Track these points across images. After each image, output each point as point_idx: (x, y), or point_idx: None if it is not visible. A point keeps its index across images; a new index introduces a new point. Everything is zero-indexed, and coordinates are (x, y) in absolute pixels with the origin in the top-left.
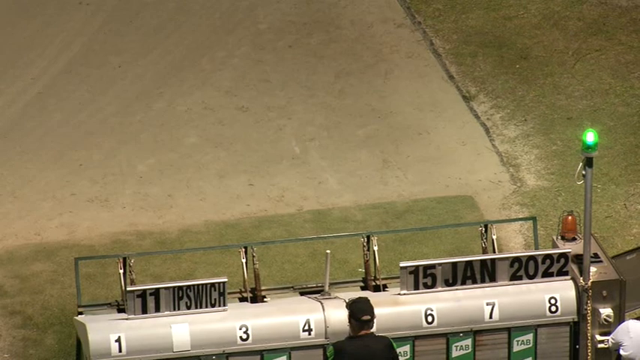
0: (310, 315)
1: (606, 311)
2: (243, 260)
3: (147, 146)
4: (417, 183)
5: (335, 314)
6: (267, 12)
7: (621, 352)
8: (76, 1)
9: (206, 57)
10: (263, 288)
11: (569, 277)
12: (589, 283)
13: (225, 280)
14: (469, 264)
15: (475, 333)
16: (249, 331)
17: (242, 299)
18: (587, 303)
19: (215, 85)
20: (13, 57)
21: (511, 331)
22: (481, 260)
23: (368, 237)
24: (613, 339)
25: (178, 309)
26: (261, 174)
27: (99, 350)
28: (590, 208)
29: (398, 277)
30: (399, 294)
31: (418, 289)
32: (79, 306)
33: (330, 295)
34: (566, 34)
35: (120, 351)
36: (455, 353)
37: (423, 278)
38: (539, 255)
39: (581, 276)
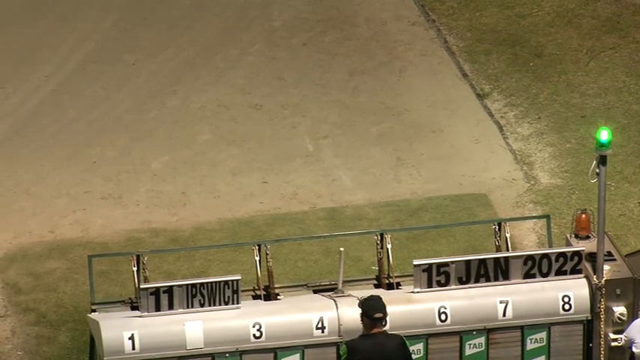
0: (323, 313)
1: (620, 309)
2: (257, 258)
3: (161, 144)
4: (430, 181)
5: (348, 312)
6: (281, 9)
7: (634, 349)
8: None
9: (220, 54)
10: (276, 286)
11: (582, 275)
12: (602, 281)
13: (239, 277)
14: (482, 262)
15: (488, 331)
16: (262, 329)
17: (255, 297)
18: (600, 301)
19: (229, 83)
20: (27, 55)
21: (524, 329)
22: (494, 258)
23: (381, 235)
24: (626, 336)
25: (192, 306)
26: (274, 171)
27: (112, 348)
28: (603, 206)
29: (411, 275)
30: (412, 292)
31: (431, 287)
32: (93, 303)
33: (343, 292)
34: (580, 31)
35: (133, 348)
36: (468, 351)
37: (437, 276)
38: (553, 253)
39: (594, 274)
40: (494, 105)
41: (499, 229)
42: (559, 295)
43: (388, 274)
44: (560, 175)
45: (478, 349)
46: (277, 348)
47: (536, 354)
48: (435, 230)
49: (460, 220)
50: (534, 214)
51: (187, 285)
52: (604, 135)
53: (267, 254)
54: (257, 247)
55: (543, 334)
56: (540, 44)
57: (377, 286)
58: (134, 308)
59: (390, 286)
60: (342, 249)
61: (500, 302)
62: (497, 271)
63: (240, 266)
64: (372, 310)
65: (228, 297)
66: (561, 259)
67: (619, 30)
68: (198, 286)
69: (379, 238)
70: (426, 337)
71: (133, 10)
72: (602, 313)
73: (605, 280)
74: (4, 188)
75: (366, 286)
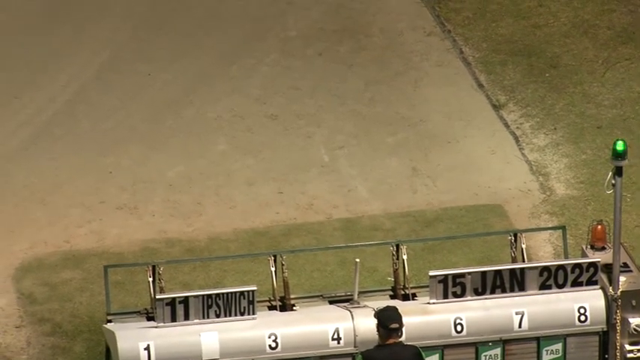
0: (339, 324)
1: (636, 321)
2: (272, 268)
3: (176, 153)
4: (446, 191)
5: (364, 323)
6: (297, 19)
7: None
8: (105, 8)
9: (235, 64)
10: (292, 296)
11: (598, 286)
12: (618, 293)
13: (255, 288)
14: (498, 273)
15: (504, 342)
16: (278, 340)
17: (271, 307)
18: (616, 312)
19: (244, 93)
20: (43, 64)
21: (540, 341)
22: (510, 269)
23: (397, 245)
24: None
25: (207, 317)
26: (290, 182)
27: (128, 358)
28: (619, 218)
29: (427, 286)
30: (428, 303)
31: (447, 298)
32: (108, 314)
33: (359, 303)
34: (596, 42)
35: (149, 359)
36: None
37: (453, 287)
38: (569, 264)
39: (610, 285)
40: (510, 116)
41: (515, 240)
42: (575, 306)
43: (404, 285)
44: (576, 186)
45: None
46: (293, 359)
47: None
48: (450, 241)
49: (476, 231)
50: (550, 225)
51: (203, 295)
52: (620, 146)
53: (282, 265)
54: (272, 258)
55: (559, 346)
56: (556, 55)
57: (393, 297)
58: (150, 319)
59: (405, 297)
60: (357, 260)
61: (516, 313)
62: (513, 282)
63: (256, 277)
64: (388, 320)
65: (244, 307)
66: (577, 271)
67: (635, 41)
68: (214, 296)
69: (395, 248)
70: (442, 348)
71: (149, 19)
72: (618, 324)
73: (621, 292)
74: (20, 198)
75: (382, 297)
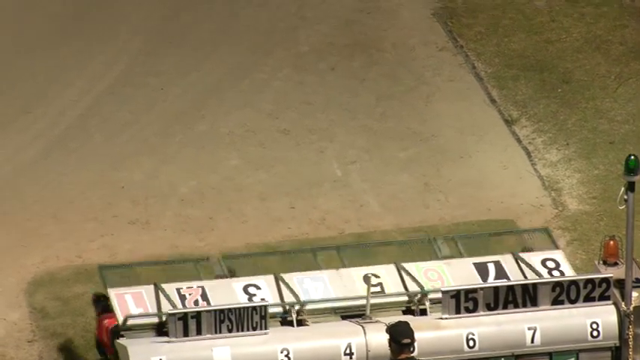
0: (352, 339)
1: None
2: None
3: (188, 168)
4: (458, 206)
5: (376, 338)
6: (309, 34)
7: None
8: (116, 22)
9: (247, 78)
10: (305, 310)
11: (610, 301)
12: (631, 308)
13: (267, 303)
14: (510, 288)
15: (517, 357)
16: (290, 355)
17: (283, 322)
18: (628, 328)
19: (256, 107)
20: (54, 79)
21: (552, 356)
22: (523, 285)
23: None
24: None
25: (220, 332)
26: (302, 197)
27: None
28: (632, 233)
29: (439, 301)
30: (440, 318)
31: (460, 313)
32: (120, 328)
33: (371, 318)
34: (609, 58)
35: None
36: None
37: (465, 302)
38: (581, 280)
39: (622, 301)
40: (522, 131)
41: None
42: (587, 321)
43: (416, 300)
44: (588, 202)
45: None
46: None
47: None
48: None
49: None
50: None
51: (215, 310)
52: (632, 161)
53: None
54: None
55: None
56: (568, 70)
57: (405, 312)
58: (162, 333)
59: (423, 312)
60: (370, 274)
61: (529, 329)
62: (525, 297)
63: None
64: (400, 335)
65: (256, 322)
66: (589, 286)
67: None
68: (226, 311)
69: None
70: None
71: (160, 33)
72: (631, 339)
73: (634, 307)
74: (32, 212)
75: (395, 311)
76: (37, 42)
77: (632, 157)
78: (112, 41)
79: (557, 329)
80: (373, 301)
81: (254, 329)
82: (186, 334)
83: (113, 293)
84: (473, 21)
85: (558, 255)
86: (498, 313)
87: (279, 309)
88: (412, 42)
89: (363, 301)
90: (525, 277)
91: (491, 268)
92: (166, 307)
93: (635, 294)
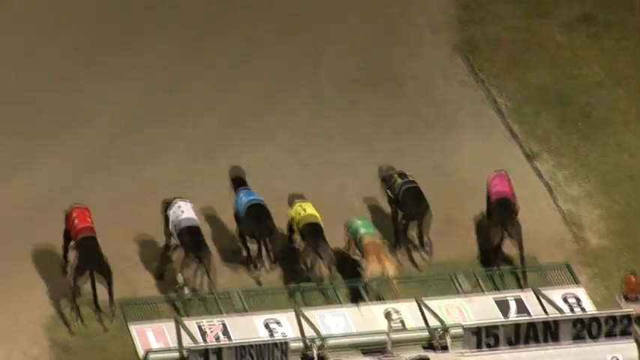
0: None
1: None
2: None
3: (210, 202)
4: (479, 241)
5: None
6: (330, 68)
7: None
8: (137, 56)
9: (268, 113)
10: (326, 346)
11: (632, 337)
12: None
13: (288, 339)
14: (532, 324)
15: None
16: None
17: (304, 358)
18: None
19: (277, 141)
20: (76, 115)
21: None
22: (544, 321)
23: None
24: None
25: None
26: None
27: None
28: None
29: (461, 337)
30: (461, 353)
31: (481, 348)
32: None
33: (392, 354)
34: (630, 92)
35: None
36: None
37: (486, 338)
38: (602, 316)
39: None
40: (543, 166)
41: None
42: (608, 357)
43: (437, 336)
44: (609, 237)
45: None
46: None
47: None
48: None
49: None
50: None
51: (237, 347)
52: None
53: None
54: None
55: None
56: (589, 105)
57: (426, 348)
58: None
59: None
60: (390, 309)
61: None
62: (546, 333)
63: None
64: None
65: (277, 358)
66: (611, 322)
67: None
68: (247, 347)
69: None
70: None
71: (181, 68)
72: None
73: None
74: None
75: (415, 347)
76: (58, 77)
77: None
78: (134, 77)
79: None
80: (394, 336)
81: None
82: None
83: (134, 329)
84: (494, 55)
85: (579, 290)
86: (520, 350)
87: (300, 344)
88: (433, 76)
89: (384, 337)
90: (546, 312)
91: (512, 304)
92: (187, 342)
93: None
